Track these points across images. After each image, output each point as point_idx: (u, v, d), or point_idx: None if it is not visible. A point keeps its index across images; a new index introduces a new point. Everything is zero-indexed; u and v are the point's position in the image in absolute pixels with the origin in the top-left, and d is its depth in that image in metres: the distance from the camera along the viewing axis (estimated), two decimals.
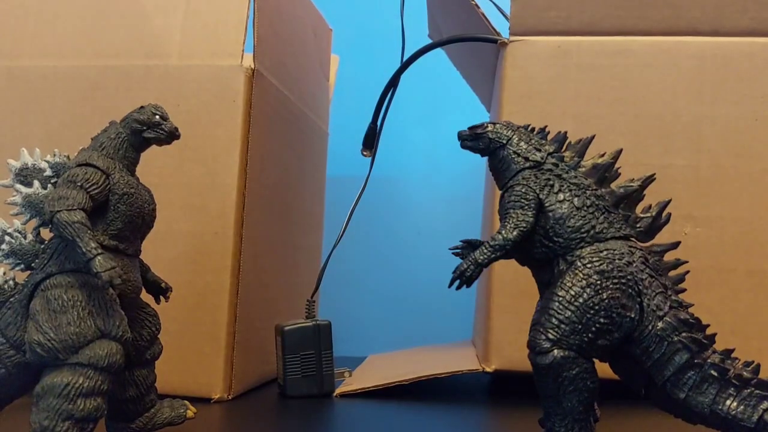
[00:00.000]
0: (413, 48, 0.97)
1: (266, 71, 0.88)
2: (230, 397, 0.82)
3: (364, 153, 0.99)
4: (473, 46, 0.94)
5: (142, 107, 0.62)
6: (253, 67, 0.85)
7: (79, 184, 0.57)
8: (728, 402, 0.54)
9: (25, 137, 0.88)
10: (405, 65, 0.96)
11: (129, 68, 0.86)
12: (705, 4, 0.85)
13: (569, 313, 0.54)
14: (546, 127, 0.61)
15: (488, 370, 0.84)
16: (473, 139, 0.62)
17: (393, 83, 0.97)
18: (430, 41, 1.04)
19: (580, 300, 0.54)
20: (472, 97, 1.24)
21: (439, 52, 1.08)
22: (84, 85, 0.87)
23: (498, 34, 0.88)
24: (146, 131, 0.61)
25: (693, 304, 0.58)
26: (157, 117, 0.61)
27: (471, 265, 0.56)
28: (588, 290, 0.55)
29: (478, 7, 0.89)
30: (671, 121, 0.84)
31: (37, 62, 0.89)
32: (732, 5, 0.84)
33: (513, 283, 0.82)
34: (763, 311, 0.80)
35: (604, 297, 0.55)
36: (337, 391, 0.88)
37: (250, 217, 0.85)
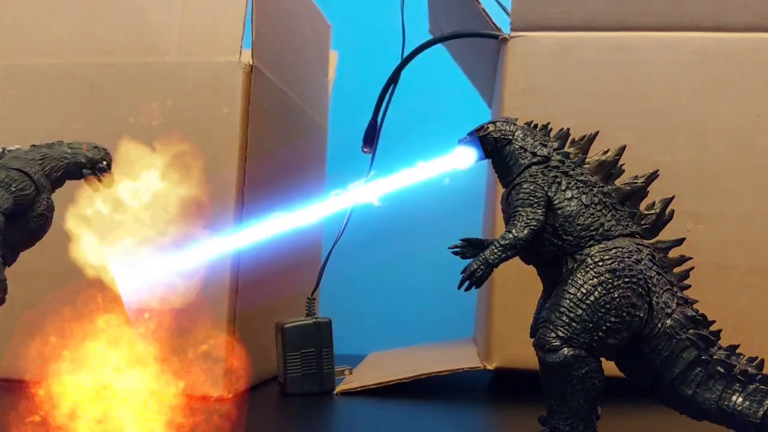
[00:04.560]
0: (414, 44, 0.96)
1: (265, 68, 0.88)
2: (230, 396, 0.82)
3: (365, 150, 0.99)
4: (474, 42, 0.94)
5: (96, 146, 0.65)
6: (251, 63, 0.84)
7: (12, 189, 0.58)
8: (734, 398, 0.54)
9: (24, 135, 0.88)
10: (405, 61, 0.96)
11: (127, 65, 0.86)
12: None
13: (580, 311, 0.54)
14: (549, 123, 0.61)
15: (489, 367, 0.84)
16: (477, 147, 0.60)
17: (393, 79, 0.96)
18: (430, 37, 1.03)
19: (592, 298, 0.54)
20: (473, 92, 1.24)
21: (439, 48, 1.07)
22: (82, 82, 0.87)
23: (499, 29, 0.88)
24: (88, 170, 0.64)
25: (698, 301, 0.57)
26: (104, 163, 0.64)
27: (481, 265, 0.55)
28: (599, 288, 0.54)
29: (479, 3, 0.89)
30: (673, 117, 0.83)
31: (35, 60, 0.88)
32: (734, 0, 0.84)
33: (515, 280, 0.82)
34: (765, 308, 0.80)
35: (616, 296, 0.54)
36: (338, 389, 0.88)
37: (249, 213, 0.85)
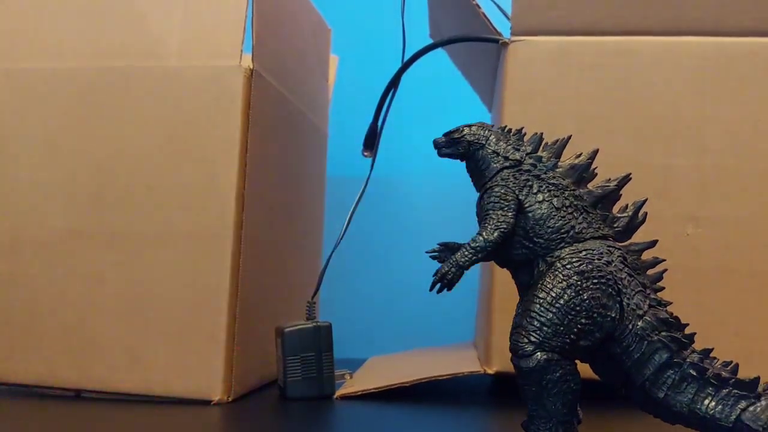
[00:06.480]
0: (414, 48, 0.96)
1: (265, 72, 0.88)
2: (230, 400, 0.82)
3: (365, 153, 0.99)
4: (474, 46, 0.94)
5: None
6: (251, 67, 0.85)
7: None
8: (706, 401, 0.54)
9: (24, 139, 0.88)
10: (406, 65, 0.96)
11: (127, 69, 0.86)
12: (707, 4, 0.84)
13: (551, 315, 0.54)
14: (523, 128, 0.61)
15: (489, 372, 0.84)
16: (451, 145, 0.61)
17: (393, 83, 0.96)
18: (431, 41, 1.04)
19: (561, 301, 0.54)
20: (473, 97, 1.24)
21: (440, 52, 1.07)
22: (82, 86, 0.87)
23: (499, 34, 0.88)
24: None
25: (672, 303, 0.57)
26: None
27: (452, 267, 0.56)
28: (569, 291, 0.55)
29: (479, 7, 0.89)
30: (673, 121, 0.83)
31: (35, 64, 0.88)
32: (734, 5, 0.84)
33: (515, 285, 0.82)
34: (766, 312, 0.80)
35: (585, 297, 0.54)
36: (338, 393, 0.88)
37: (249, 218, 0.85)
